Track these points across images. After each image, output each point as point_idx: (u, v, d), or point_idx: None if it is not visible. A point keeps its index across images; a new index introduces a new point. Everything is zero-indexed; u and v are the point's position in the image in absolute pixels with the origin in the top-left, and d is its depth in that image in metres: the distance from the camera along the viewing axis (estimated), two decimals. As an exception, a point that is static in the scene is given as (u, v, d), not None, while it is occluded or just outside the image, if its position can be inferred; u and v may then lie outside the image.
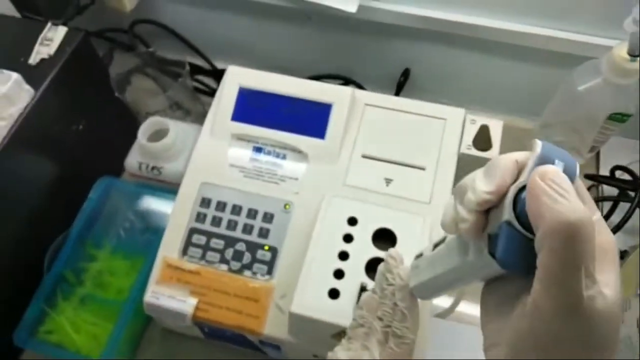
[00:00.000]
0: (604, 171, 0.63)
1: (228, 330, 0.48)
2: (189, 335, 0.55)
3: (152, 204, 0.60)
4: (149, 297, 0.47)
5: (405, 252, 0.44)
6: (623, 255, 0.55)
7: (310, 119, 0.51)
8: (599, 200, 0.59)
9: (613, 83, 0.50)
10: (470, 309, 0.58)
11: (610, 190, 0.60)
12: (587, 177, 0.60)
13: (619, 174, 0.58)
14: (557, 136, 0.61)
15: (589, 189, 0.63)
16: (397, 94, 0.69)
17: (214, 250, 0.48)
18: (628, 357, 0.47)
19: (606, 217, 0.57)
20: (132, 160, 0.57)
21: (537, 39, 0.57)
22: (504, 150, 0.49)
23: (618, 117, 0.54)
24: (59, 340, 0.52)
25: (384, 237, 0.45)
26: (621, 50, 0.48)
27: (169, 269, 0.48)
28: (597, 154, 0.66)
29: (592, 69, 0.52)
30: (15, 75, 0.48)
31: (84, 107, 0.58)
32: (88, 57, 0.58)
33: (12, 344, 0.51)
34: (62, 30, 0.54)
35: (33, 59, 0.52)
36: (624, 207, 0.57)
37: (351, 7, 0.58)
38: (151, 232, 0.58)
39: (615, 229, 0.56)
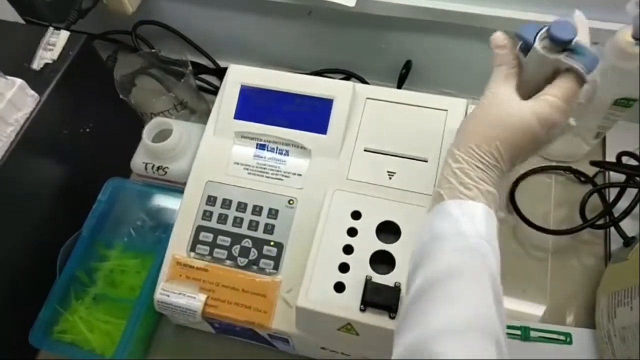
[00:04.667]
0: (611, 157, 0.62)
1: (238, 325, 0.49)
2: (201, 331, 0.56)
3: (161, 202, 0.61)
4: (159, 294, 0.48)
5: (409, 243, 0.45)
6: (630, 241, 0.54)
7: (312, 114, 0.51)
8: (605, 186, 0.59)
9: (618, 68, 0.49)
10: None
11: (617, 177, 0.60)
12: (593, 163, 0.60)
13: (625, 159, 0.58)
14: (562, 123, 0.61)
15: (594, 175, 0.63)
16: (399, 86, 0.69)
17: (221, 247, 0.49)
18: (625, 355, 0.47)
19: (613, 203, 0.57)
20: (138, 161, 0.58)
21: (538, 26, 0.57)
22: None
23: (623, 103, 0.53)
24: (73, 339, 0.54)
25: (388, 230, 0.45)
26: (625, 35, 0.48)
27: (178, 267, 0.49)
28: (603, 140, 0.65)
29: (596, 54, 0.51)
30: (19, 81, 0.49)
31: (89, 110, 0.59)
32: (91, 61, 0.59)
33: (28, 344, 0.52)
34: (64, 35, 0.55)
35: (36, 64, 0.53)
36: (631, 192, 0.56)
37: (350, 1, 0.58)
38: (161, 229, 0.59)
39: (623, 215, 0.55)
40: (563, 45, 0.35)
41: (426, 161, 0.49)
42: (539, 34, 0.36)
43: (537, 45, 0.35)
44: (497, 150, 0.35)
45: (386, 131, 0.51)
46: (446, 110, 0.51)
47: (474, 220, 0.33)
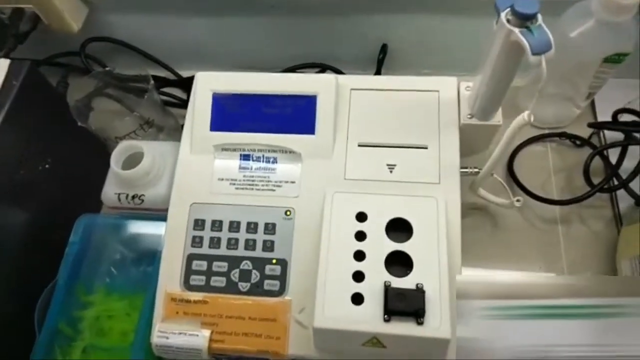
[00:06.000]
0: (602, 117, 0.61)
1: (249, 356, 0.44)
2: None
3: (140, 231, 0.55)
4: (156, 337, 0.43)
5: (423, 239, 0.41)
6: (643, 200, 0.53)
7: (295, 114, 0.47)
8: (607, 147, 0.57)
9: (608, 22, 0.47)
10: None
11: (612, 136, 0.58)
12: (591, 125, 0.57)
13: (620, 117, 0.56)
14: (550, 89, 0.58)
15: (589, 137, 0.61)
16: (377, 72, 0.65)
17: (218, 274, 0.44)
18: None
19: (617, 165, 0.55)
20: (109, 192, 0.52)
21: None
22: (503, 111, 0.47)
23: (615, 59, 0.51)
24: (67, 401, 0.48)
25: (399, 228, 0.42)
26: (615, -14, 0.45)
27: (173, 303, 0.44)
28: (592, 101, 0.63)
29: (582, 11, 0.49)
30: (-40, 123, 0.43)
31: (45, 143, 0.54)
32: (40, 89, 0.53)
33: (15, 415, 0.46)
34: (4, 63, 0.49)
35: (-23, 101, 0.47)
36: (632, 150, 0.54)
37: (316, -13, 0.54)
38: (145, 262, 0.54)
39: (632, 175, 0.53)
40: (523, 19, 0.35)
41: (426, 148, 0.46)
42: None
43: (502, 14, 0.36)
44: None
45: (378, 122, 0.47)
46: (437, 91, 0.48)
47: None
